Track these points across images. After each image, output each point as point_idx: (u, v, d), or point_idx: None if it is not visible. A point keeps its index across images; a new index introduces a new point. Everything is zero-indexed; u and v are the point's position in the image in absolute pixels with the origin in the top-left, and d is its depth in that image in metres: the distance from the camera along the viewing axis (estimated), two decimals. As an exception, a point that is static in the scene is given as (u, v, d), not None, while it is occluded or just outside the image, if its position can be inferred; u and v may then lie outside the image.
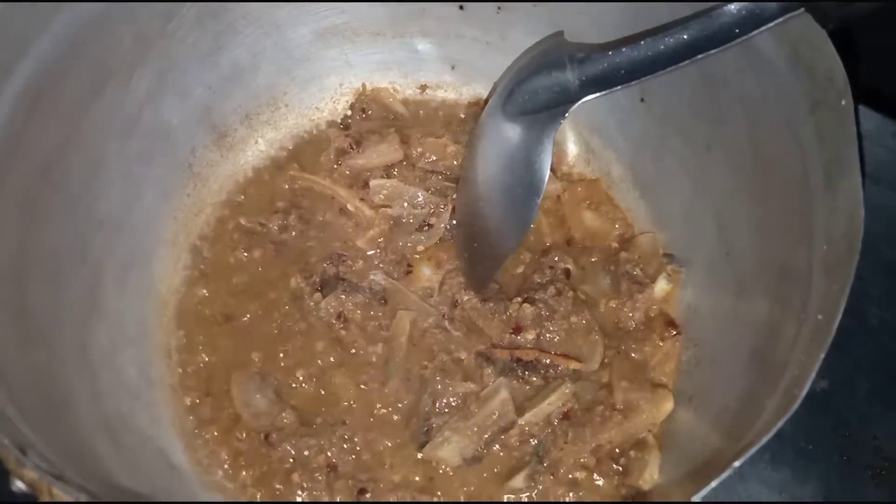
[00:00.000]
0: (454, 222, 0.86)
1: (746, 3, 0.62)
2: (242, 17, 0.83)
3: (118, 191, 0.79)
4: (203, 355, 0.81)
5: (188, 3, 0.78)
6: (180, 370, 0.81)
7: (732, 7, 0.63)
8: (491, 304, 0.81)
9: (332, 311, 0.82)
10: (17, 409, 0.54)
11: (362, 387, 0.80)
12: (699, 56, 0.64)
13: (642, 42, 0.66)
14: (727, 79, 0.72)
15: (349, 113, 0.94)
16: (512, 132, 0.72)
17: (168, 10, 0.77)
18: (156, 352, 0.81)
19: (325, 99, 0.94)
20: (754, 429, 0.56)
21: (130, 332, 0.79)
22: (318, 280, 0.84)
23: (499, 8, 0.86)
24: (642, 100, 0.83)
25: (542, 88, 0.71)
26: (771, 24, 0.61)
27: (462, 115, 0.94)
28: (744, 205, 0.74)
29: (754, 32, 0.62)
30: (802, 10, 0.60)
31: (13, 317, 0.64)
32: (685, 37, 0.65)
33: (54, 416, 0.63)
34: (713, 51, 0.63)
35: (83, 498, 0.46)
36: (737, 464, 0.52)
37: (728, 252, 0.76)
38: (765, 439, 0.52)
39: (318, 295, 0.83)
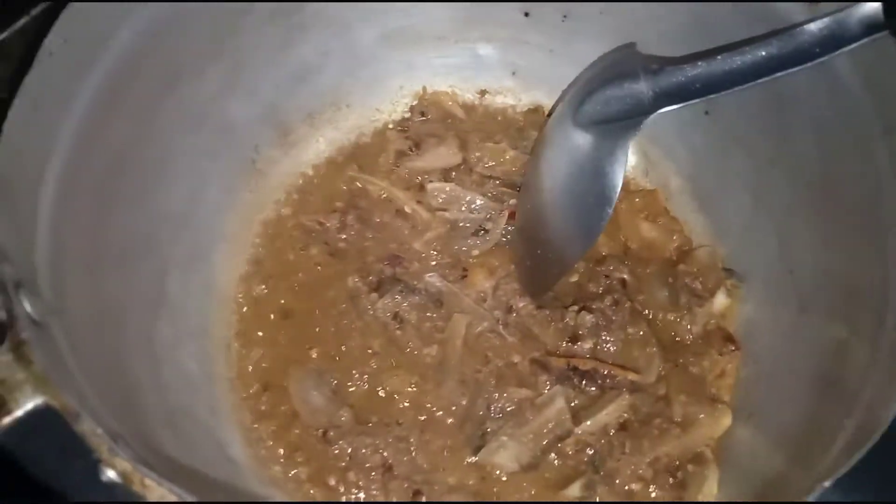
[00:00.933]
0: (511, 228, 0.86)
1: (828, 23, 0.62)
2: (313, 15, 0.83)
3: (184, 185, 0.80)
4: (261, 350, 0.82)
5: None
6: (238, 365, 0.81)
7: (813, 26, 0.62)
8: (547, 312, 0.82)
9: (388, 311, 0.83)
10: (101, 400, 0.55)
11: (417, 388, 0.80)
12: (777, 74, 0.64)
13: (719, 57, 0.66)
14: (797, 97, 0.72)
15: (409, 115, 0.94)
16: (582, 141, 0.72)
17: (244, 6, 0.78)
18: (215, 346, 0.82)
19: (385, 101, 0.95)
20: (827, 456, 0.55)
21: (191, 326, 0.80)
22: (374, 280, 0.85)
23: (564, 16, 0.86)
24: (706, 112, 0.83)
25: (614, 98, 0.71)
26: (853, 46, 0.60)
27: (521, 122, 0.94)
28: (808, 222, 0.74)
29: (835, 53, 0.62)
30: (886, 32, 0.60)
31: (88, 305, 0.65)
32: (763, 54, 0.64)
33: (127, 407, 0.64)
34: (792, 69, 0.63)
35: (175, 492, 0.47)
36: (811, 498, 0.51)
37: (790, 269, 0.76)
38: (843, 470, 0.50)
39: (374, 295, 0.83)
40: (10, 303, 0.51)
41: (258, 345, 0.83)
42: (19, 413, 0.49)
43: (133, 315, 0.72)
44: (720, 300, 0.82)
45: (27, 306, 0.52)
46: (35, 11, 0.80)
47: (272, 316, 0.84)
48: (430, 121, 0.93)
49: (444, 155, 0.90)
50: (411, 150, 0.90)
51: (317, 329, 0.83)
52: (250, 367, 0.81)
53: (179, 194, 0.80)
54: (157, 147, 0.76)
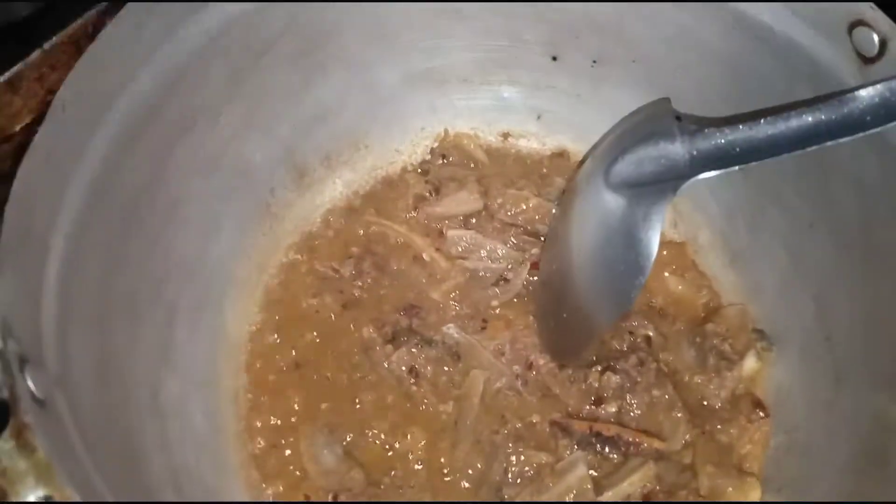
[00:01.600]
0: (534, 279, 0.83)
1: (881, 90, 0.59)
2: (334, 55, 0.81)
3: (196, 228, 0.78)
4: (271, 403, 0.79)
5: (286, 37, 0.76)
6: (247, 418, 0.78)
7: (864, 93, 0.59)
8: (569, 371, 0.79)
9: (403, 364, 0.80)
10: (104, 477, 0.52)
11: (431, 448, 0.77)
12: (825, 144, 0.60)
13: (762, 121, 0.63)
14: (841, 161, 0.69)
15: (429, 158, 0.91)
16: (614, 204, 0.68)
17: (263, 47, 0.75)
18: (223, 398, 0.78)
19: (405, 142, 0.92)
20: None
21: (199, 377, 0.77)
22: (389, 331, 0.82)
23: (594, 61, 0.83)
24: (739, 167, 0.80)
25: (648, 159, 0.67)
26: (910, 118, 0.57)
27: (545, 168, 0.91)
28: (850, 289, 0.71)
29: (889, 125, 0.58)
30: (944, 102, 0.57)
31: (94, 361, 0.62)
32: (810, 120, 0.61)
33: (126, 469, 0.61)
34: (841, 140, 0.60)
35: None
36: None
37: (828, 337, 0.73)
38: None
39: (389, 347, 0.80)
40: (13, 382, 0.48)
41: (268, 397, 0.79)
42: (18, 507, 0.46)
43: (139, 369, 0.69)
44: (750, 363, 0.79)
45: (31, 384, 0.49)
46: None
47: (283, 367, 0.81)
48: (450, 164, 0.91)
49: (464, 200, 0.87)
50: (431, 195, 0.88)
51: (329, 382, 0.80)
52: (258, 422, 0.78)
53: (191, 239, 0.77)
54: (170, 192, 0.73)
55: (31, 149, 0.57)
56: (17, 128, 0.79)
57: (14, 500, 0.45)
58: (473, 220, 0.87)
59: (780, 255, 0.79)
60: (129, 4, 0.63)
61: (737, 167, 0.64)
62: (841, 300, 0.72)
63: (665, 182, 0.66)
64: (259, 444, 0.77)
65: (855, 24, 0.63)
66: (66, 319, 0.58)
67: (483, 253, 0.85)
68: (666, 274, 0.86)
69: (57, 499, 0.46)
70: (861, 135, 0.59)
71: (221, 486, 0.73)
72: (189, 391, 0.75)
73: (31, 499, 0.45)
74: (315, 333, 0.83)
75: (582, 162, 0.85)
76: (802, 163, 0.71)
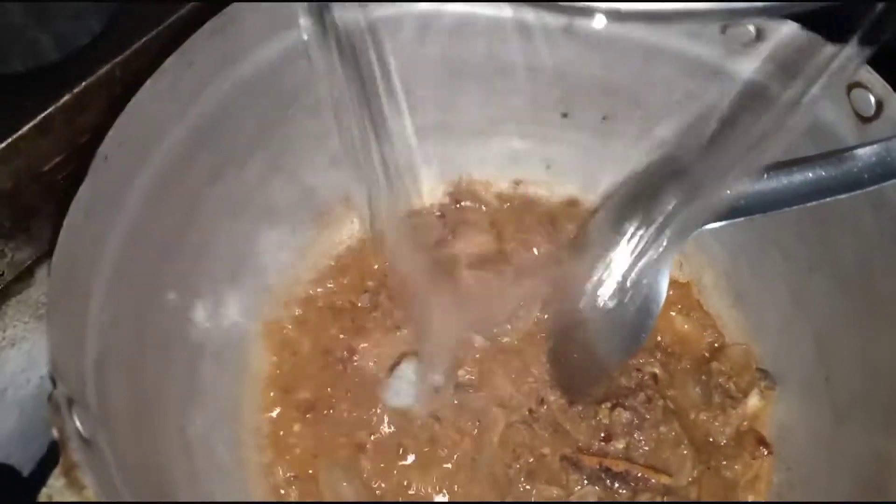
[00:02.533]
0: (545, 316, 0.86)
1: (878, 150, 0.62)
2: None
3: (222, 267, 0.81)
4: (292, 437, 0.82)
5: (307, 91, 0.79)
6: (270, 450, 0.81)
7: (862, 152, 0.63)
8: (579, 408, 0.81)
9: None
10: (132, 495, 0.55)
11: (448, 483, 0.80)
12: (824, 199, 0.64)
13: (766, 176, 0.67)
14: (840, 213, 0.72)
15: (445, 202, 0.95)
16: (623, 252, 0.72)
17: (291, 96, 0.78)
18: (246, 430, 0.81)
19: (421, 186, 0.95)
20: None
21: (223, 411, 0.80)
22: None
23: (604, 118, 0.86)
24: (742, 212, 0.83)
25: (658, 211, 0.71)
26: (905, 178, 0.61)
27: (555, 214, 0.94)
28: (849, 332, 0.74)
29: (884, 183, 0.62)
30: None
31: (128, 400, 0.65)
32: (811, 176, 0.65)
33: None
34: (840, 196, 0.64)
35: None
36: None
37: (827, 377, 0.76)
38: None
39: (405, 383, 0.83)
40: (63, 423, 0.51)
41: (288, 430, 0.82)
42: (71, 542, 0.49)
43: (167, 407, 0.72)
44: (753, 402, 0.82)
45: (78, 424, 0.53)
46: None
47: (303, 401, 0.84)
48: (465, 209, 0.94)
49: (479, 242, 0.90)
50: (446, 236, 0.91)
51: (348, 416, 0.83)
52: (281, 454, 0.81)
53: (216, 278, 0.80)
54: (200, 234, 0.76)
55: (75, 200, 0.60)
56: (46, 168, 0.81)
57: (65, 536, 0.49)
58: (488, 262, 0.90)
59: (782, 295, 0.82)
60: (169, 60, 0.66)
61: (740, 219, 0.68)
62: (841, 342, 0.75)
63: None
64: (281, 476, 0.80)
65: (853, 86, 0.66)
66: (104, 361, 0.62)
67: (496, 291, 0.89)
68: (672, 313, 0.89)
69: (105, 534, 0.49)
70: (859, 192, 0.63)
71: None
72: (214, 425, 0.78)
73: (81, 535, 0.49)
74: (333, 368, 0.86)
75: (595, 211, 0.88)
76: (802, 211, 0.75)
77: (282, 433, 0.82)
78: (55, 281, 0.57)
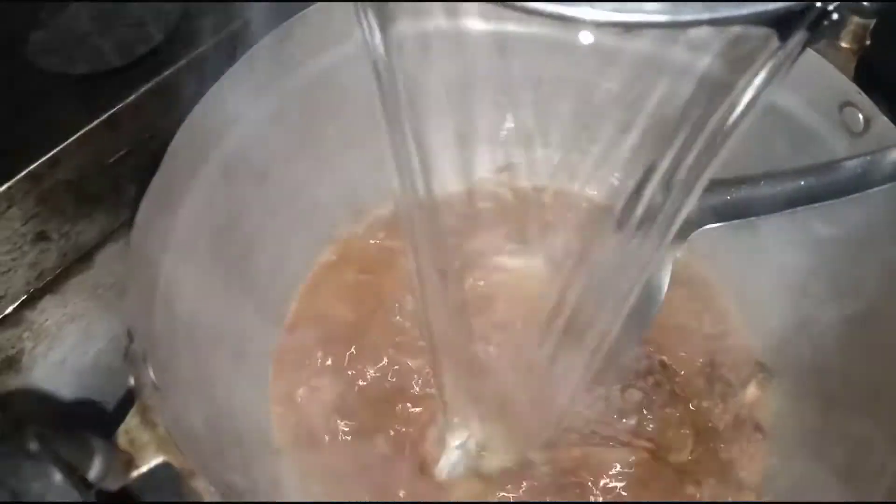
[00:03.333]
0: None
1: (863, 162, 0.70)
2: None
3: (268, 259, 0.89)
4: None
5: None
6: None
7: (850, 164, 0.70)
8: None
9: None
10: (212, 455, 0.63)
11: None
12: (813, 205, 0.71)
13: (762, 182, 0.74)
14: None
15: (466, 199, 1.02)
16: (629, 248, 0.79)
17: (337, 106, 0.87)
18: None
19: (448, 186, 1.02)
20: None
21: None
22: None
23: (622, 130, 0.93)
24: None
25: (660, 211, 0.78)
26: (883, 186, 0.68)
27: (575, 212, 1.02)
28: (840, 331, 0.81)
29: (867, 191, 0.69)
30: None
31: (190, 367, 0.73)
32: (802, 184, 0.72)
33: (216, 451, 0.71)
34: (827, 201, 0.71)
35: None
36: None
37: (819, 369, 0.83)
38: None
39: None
40: (139, 372, 0.60)
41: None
42: (144, 469, 0.58)
43: (217, 374, 0.80)
44: (751, 391, 0.88)
45: (152, 374, 0.61)
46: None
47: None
48: (488, 209, 1.02)
49: (500, 237, 0.98)
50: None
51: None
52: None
53: (263, 268, 0.89)
54: (251, 227, 0.85)
55: (150, 188, 0.69)
56: (111, 160, 0.89)
57: (140, 464, 0.57)
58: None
59: (782, 293, 0.88)
60: (231, 69, 0.75)
61: (737, 220, 0.75)
62: (833, 339, 0.82)
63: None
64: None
65: (844, 105, 0.74)
66: (168, 330, 0.70)
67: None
68: (676, 304, 0.94)
69: (174, 463, 0.57)
70: (844, 198, 0.70)
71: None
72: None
73: (153, 463, 0.57)
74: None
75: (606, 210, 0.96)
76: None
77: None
78: (132, 254, 0.65)
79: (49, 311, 0.87)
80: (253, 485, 0.71)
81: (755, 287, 0.93)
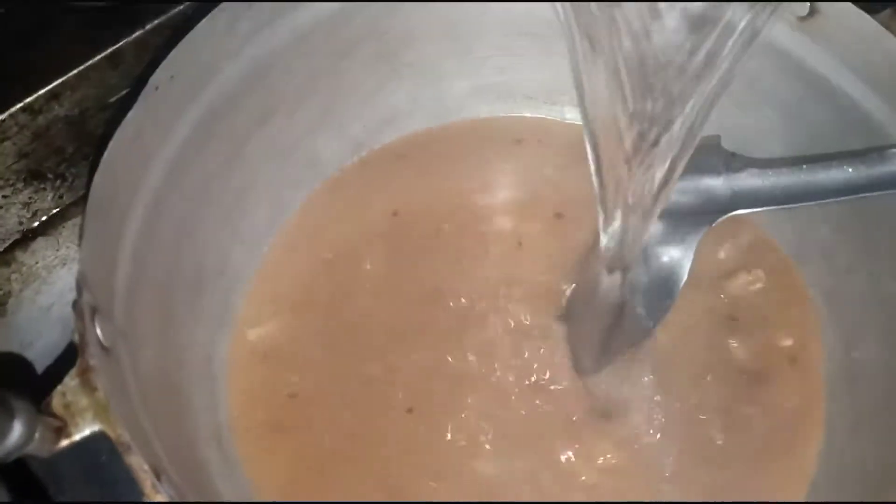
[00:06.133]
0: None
1: (921, 153, 0.61)
2: (409, 64, 0.86)
3: (264, 212, 0.84)
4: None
5: (367, 42, 0.81)
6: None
7: (902, 152, 0.62)
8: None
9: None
10: (153, 424, 0.58)
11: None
12: (861, 195, 0.63)
13: (804, 167, 0.66)
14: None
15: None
16: (652, 228, 0.72)
17: (345, 49, 0.81)
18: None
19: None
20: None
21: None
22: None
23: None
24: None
25: (690, 190, 0.71)
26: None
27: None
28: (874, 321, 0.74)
29: (923, 184, 0.61)
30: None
31: (157, 321, 0.69)
32: (850, 171, 0.64)
33: (174, 419, 0.67)
34: (876, 193, 0.63)
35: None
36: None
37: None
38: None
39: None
40: (84, 329, 0.54)
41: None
42: (77, 437, 0.52)
43: (196, 337, 0.75)
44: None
45: (99, 332, 0.56)
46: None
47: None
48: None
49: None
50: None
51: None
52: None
53: (258, 220, 0.83)
54: (243, 177, 0.79)
55: (122, 124, 0.63)
56: (113, 99, 0.85)
57: (73, 432, 0.52)
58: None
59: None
60: (224, 3, 0.69)
61: (774, 207, 0.67)
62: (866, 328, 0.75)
63: (703, 214, 0.69)
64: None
65: (906, 86, 0.65)
66: (136, 281, 0.65)
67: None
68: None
69: (109, 434, 0.51)
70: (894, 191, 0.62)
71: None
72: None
73: (87, 431, 0.52)
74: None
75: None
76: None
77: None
78: (94, 197, 0.59)
79: (41, 253, 0.84)
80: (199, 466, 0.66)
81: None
